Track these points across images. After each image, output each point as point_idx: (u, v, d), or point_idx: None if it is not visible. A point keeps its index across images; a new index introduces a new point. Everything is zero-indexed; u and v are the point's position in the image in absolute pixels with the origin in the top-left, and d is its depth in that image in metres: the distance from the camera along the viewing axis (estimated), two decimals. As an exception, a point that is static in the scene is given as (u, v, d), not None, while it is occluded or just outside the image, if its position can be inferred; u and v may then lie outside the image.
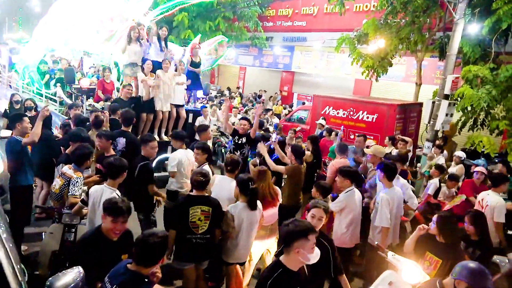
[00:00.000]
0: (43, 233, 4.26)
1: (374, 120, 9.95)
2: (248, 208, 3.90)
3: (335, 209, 4.37)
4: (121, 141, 5.43)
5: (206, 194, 4.00)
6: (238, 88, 22.05)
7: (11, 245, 2.32)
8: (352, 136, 9.52)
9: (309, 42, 18.35)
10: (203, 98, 13.60)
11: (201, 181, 3.82)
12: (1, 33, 41.14)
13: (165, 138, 7.59)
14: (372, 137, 9.39)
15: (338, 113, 10.72)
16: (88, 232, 3.14)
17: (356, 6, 15.69)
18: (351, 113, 10.45)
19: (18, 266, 2.37)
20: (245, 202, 3.92)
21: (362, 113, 10.30)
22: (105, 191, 3.57)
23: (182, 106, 7.93)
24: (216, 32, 17.61)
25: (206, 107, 9.62)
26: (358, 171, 5.56)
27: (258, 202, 4.05)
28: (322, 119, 9.89)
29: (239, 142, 6.35)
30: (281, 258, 2.52)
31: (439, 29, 10.73)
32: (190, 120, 8.26)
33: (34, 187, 5.16)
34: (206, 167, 4.67)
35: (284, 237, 2.51)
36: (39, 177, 5.63)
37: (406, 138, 7.89)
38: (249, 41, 19.49)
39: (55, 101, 8.70)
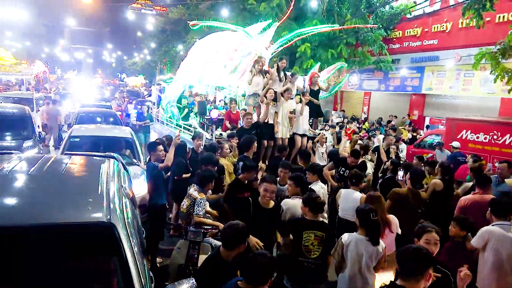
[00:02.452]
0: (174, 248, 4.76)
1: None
2: (369, 242, 3.64)
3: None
4: (240, 165, 5.82)
5: (321, 219, 3.93)
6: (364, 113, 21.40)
7: (140, 257, 2.63)
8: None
9: (442, 61, 16.85)
10: (324, 125, 13.58)
11: (317, 205, 3.79)
12: (154, 76, 48.93)
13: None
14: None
15: (478, 137, 9.47)
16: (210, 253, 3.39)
17: (499, 17, 13.85)
18: (495, 137, 9.11)
19: (147, 275, 2.67)
20: (364, 235, 3.69)
21: (510, 137, 8.88)
22: None
23: (305, 135, 8.04)
24: (338, 59, 17.63)
25: (324, 134, 9.57)
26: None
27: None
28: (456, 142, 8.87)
29: (344, 173, 6.09)
30: (401, 283, 2.46)
31: None
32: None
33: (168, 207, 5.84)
34: (298, 201, 4.35)
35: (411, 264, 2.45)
36: (173, 198, 6.37)
37: None
38: (374, 65, 18.88)
39: (190, 130, 9.83)
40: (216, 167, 5.50)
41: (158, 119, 13.43)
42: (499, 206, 3.90)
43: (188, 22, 9.81)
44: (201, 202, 4.54)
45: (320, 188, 5.01)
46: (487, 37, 12.70)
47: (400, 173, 5.13)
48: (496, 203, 3.97)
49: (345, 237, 3.75)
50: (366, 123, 18.70)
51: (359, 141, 10.59)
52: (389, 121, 18.43)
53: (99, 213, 2.46)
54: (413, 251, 2.48)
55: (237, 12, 20.00)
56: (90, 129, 8.51)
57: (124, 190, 3.25)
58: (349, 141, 10.16)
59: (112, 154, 4.38)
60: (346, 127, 15.39)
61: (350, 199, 4.95)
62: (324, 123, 13.99)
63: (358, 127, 16.56)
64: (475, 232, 3.82)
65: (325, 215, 4.89)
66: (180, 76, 10.75)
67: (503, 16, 14.00)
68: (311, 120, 9.13)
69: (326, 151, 8.24)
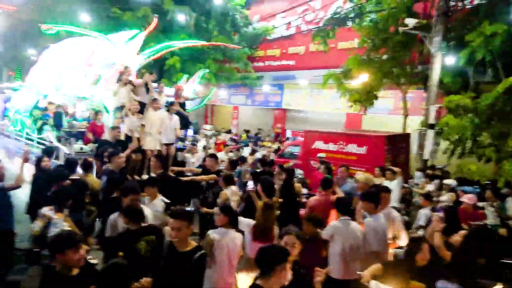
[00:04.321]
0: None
1: (364, 152, 10.03)
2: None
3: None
4: (103, 179, 5.49)
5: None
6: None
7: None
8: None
9: (298, 80, 18.85)
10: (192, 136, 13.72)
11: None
12: (-2, 83, 42.01)
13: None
14: (364, 169, 9.45)
15: (328, 147, 10.82)
16: None
17: (340, 44, 16.30)
18: (341, 146, 10.55)
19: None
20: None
21: (352, 146, 10.40)
22: None
23: (172, 144, 7.99)
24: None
25: (195, 145, 9.72)
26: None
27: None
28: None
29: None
30: (260, 282, 2.57)
31: (420, 62, 11.11)
32: (179, 158, 8.31)
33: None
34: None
35: (265, 261, 2.59)
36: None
37: (395, 169, 7.92)
38: (240, 81, 19.98)
39: (45, 144, 8.75)
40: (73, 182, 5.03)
41: (3, 133, 11.55)
42: (341, 204, 4.58)
43: (40, 24, 8.78)
44: (57, 223, 4.11)
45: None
46: (333, 61, 14.74)
47: (250, 183, 5.40)
48: (338, 201, 4.66)
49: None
50: (244, 135, 19.56)
51: (230, 153, 11.10)
52: (256, 134, 19.72)
53: None
54: (264, 249, 2.69)
55: (99, 19, 18.75)
56: None
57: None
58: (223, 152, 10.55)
59: None
60: (216, 139, 15.87)
61: None
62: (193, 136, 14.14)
63: (233, 139, 17.24)
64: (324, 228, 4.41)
65: None
66: (31, 82, 9.54)
67: (344, 44, 16.51)
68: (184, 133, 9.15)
69: (197, 161, 8.34)
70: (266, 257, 2.62)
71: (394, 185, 7.22)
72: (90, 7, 18.58)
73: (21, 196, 5.72)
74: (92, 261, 4.07)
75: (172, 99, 8.62)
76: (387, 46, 10.94)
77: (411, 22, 9.63)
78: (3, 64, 40.25)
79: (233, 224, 3.92)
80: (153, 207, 4.60)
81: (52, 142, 8.58)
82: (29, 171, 5.68)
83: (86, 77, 8.10)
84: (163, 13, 16.46)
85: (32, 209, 5.48)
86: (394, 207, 6.64)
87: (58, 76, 8.91)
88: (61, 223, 4.15)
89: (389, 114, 15.95)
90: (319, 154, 9.98)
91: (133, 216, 3.69)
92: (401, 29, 10.15)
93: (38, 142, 9.07)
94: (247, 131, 20.16)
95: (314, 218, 4.39)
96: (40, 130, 9.67)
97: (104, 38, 8.56)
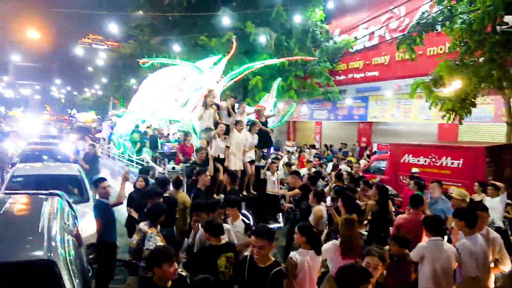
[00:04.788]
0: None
1: (460, 166, 9.17)
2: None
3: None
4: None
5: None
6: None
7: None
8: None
9: (383, 91, 18.09)
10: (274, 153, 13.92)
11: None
12: (107, 111, 47.81)
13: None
14: (459, 184, 8.64)
15: (418, 160, 10.12)
16: None
17: (429, 50, 15.30)
18: (433, 159, 9.80)
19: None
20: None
21: (446, 159, 9.59)
22: None
23: (252, 162, 8.23)
24: (288, 91, 18.38)
25: (276, 163, 9.84)
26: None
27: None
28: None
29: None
30: None
31: (526, 62, 9.87)
32: (261, 176, 8.52)
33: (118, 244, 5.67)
34: None
35: (346, 281, 2.52)
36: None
37: (498, 184, 7.06)
38: (322, 96, 19.84)
39: (143, 165, 9.68)
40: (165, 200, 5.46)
41: (109, 155, 13.10)
42: (432, 223, 4.22)
43: (138, 60, 9.88)
44: (151, 237, 4.49)
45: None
46: (421, 68, 13.90)
47: (328, 199, 5.24)
48: (429, 221, 4.29)
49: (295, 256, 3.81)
50: (327, 150, 19.37)
51: (312, 169, 11.02)
52: (340, 149, 19.28)
53: (39, 251, 2.41)
54: (347, 267, 2.60)
55: (189, 47, 20.40)
56: (35, 167, 8.14)
57: (67, 228, 3.18)
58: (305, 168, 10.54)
59: (56, 192, 4.26)
60: (300, 156, 15.87)
61: None
62: (275, 153, 14.35)
63: (317, 155, 17.14)
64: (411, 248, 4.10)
65: None
66: (132, 109, 10.69)
67: (433, 50, 15.47)
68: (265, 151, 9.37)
69: (277, 179, 8.44)
70: (347, 277, 2.55)
71: (497, 202, 6.47)
72: (180, 38, 20.33)
73: (122, 211, 6.42)
74: (183, 273, 4.37)
75: (253, 116, 8.95)
76: (484, 47, 9.93)
77: (511, 19, 8.68)
78: (110, 94, 45.90)
79: (311, 244, 3.86)
80: (234, 229, 4.74)
81: (148, 163, 9.46)
82: (129, 189, 6.37)
83: (177, 102, 8.82)
84: (245, 36, 17.28)
85: (129, 223, 6.11)
86: (498, 228, 5.94)
87: (154, 102, 9.87)
88: (155, 237, 4.52)
89: (490, 122, 14.39)
90: (413, 169, 9.38)
91: (213, 231, 3.88)
92: (499, 28, 9.18)
93: (137, 163, 10.08)
94: (329, 146, 19.81)
95: (400, 238, 4.13)
96: (139, 152, 10.73)
97: (192, 66, 9.28)
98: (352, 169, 10.73)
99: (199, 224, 4.49)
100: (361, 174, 9.46)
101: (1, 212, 3.11)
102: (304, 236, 3.84)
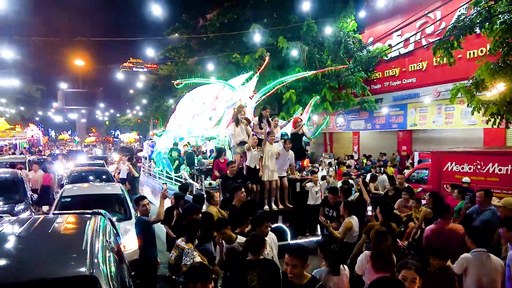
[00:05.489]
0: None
1: (509, 172, 8.67)
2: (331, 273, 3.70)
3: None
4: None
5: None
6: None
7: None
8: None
9: (422, 98, 17.52)
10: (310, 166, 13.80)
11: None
12: (147, 131, 49.72)
13: (274, 207, 7.86)
14: (508, 192, 8.16)
15: (463, 168, 9.67)
16: None
17: (469, 53, 14.71)
18: (479, 166, 9.32)
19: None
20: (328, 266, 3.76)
21: (493, 166, 9.10)
22: None
23: (284, 176, 8.23)
24: (323, 103, 18.26)
25: (316, 173, 9.77)
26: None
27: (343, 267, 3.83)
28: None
29: (329, 214, 6.25)
30: None
31: None
32: (297, 189, 8.47)
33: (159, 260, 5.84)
34: None
35: None
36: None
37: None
38: (358, 106, 19.53)
39: (180, 182, 9.95)
40: (201, 215, 5.57)
41: (150, 174, 13.57)
42: (477, 234, 4.01)
43: (176, 80, 10.27)
44: (188, 252, 4.59)
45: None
46: (461, 72, 13.37)
47: (369, 209, 5.16)
48: (474, 231, 4.08)
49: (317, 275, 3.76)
50: (365, 160, 18.98)
51: (350, 181, 10.79)
52: (379, 160, 18.75)
53: (82, 267, 2.55)
54: (380, 281, 2.53)
55: (223, 66, 20.92)
56: (81, 188, 8.60)
57: (109, 245, 3.34)
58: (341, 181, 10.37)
59: (99, 211, 4.49)
60: (338, 168, 15.62)
61: None
62: (311, 165, 14.22)
63: (357, 166, 16.80)
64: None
65: None
66: (170, 128, 11.07)
67: (473, 53, 14.84)
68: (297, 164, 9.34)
69: (320, 189, 8.36)
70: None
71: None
72: (215, 57, 20.91)
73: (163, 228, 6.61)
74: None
75: (287, 129, 8.97)
76: (528, 47, 9.43)
77: (555, 16, 8.20)
78: (150, 114, 47.77)
79: (330, 262, 3.78)
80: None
81: (186, 180, 9.70)
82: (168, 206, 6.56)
83: (211, 120, 9.05)
84: (278, 51, 17.48)
85: (169, 239, 6.28)
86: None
87: (190, 121, 10.19)
88: (192, 253, 4.63)
89: (542, 125, 13.45)
90: (464, 179, 8.94)
91: (251, 246, 3.88)
92: (543, 25, 8.69)
93: (175, 180, 10.38)
94: (368, 156, 19.33)
95: (437, 251, 3.94)
96: (177, 169, 11.05)
97: (225, 84, 9.52)
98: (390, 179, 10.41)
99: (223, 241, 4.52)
100: (406, 185, 9.07)
101: (49, 232, 3.33)
102: (321, 253, 3.80)
